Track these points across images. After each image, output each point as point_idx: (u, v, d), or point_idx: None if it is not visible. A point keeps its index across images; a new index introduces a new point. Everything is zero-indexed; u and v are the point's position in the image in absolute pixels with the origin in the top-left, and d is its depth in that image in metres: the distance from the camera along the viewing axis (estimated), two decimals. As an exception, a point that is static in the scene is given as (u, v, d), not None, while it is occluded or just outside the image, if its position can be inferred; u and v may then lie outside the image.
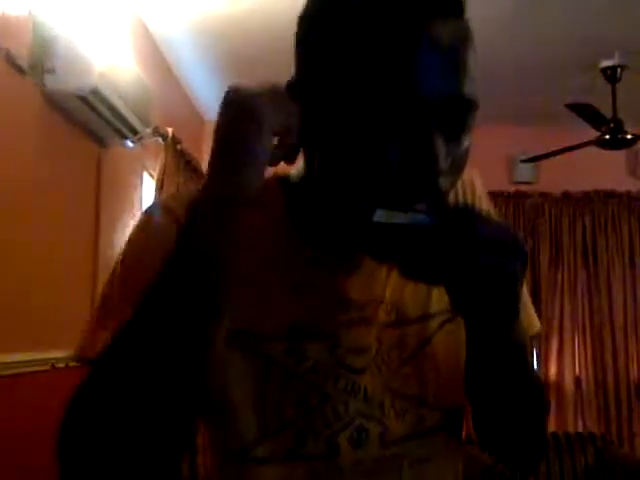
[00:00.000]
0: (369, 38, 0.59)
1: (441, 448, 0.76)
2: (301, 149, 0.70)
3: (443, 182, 0.61)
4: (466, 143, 0.64)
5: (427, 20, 0.59)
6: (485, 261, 0.56)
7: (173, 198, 0.79)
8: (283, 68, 3.33)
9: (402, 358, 0.74)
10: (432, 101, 0.58)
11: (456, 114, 0.61)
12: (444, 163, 0.60)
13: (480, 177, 0.81)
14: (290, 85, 0.66)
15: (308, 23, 0.66)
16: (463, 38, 0.64)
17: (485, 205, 0.78)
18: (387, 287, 0.74)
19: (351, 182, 0.61)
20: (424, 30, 0.59)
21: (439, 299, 0.74)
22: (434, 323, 0.75)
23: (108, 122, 2.42)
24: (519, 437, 0.77)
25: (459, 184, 0.75)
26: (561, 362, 4.55)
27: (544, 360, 4.55)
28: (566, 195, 4.70)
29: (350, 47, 0.60)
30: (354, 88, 0.59)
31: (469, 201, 0.75)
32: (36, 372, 2.14)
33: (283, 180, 0.77)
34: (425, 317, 0.75)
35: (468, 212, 0.60)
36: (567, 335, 4.57)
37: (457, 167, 0.65)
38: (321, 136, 0.64)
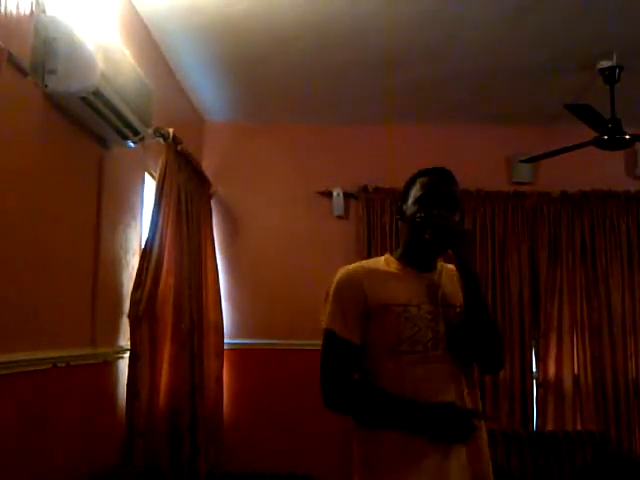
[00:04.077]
0: (426, 182, 1.92)
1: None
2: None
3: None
4: (457, 216, 1.88)
5: (444, 184, 1.90)
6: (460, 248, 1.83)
7: (354, 268, 1.92)
8: (282, 68, 3.39)
9: (447, 321, 1.84)
10: (445, 206, 1.86)
11: (453, 206, 1.88)
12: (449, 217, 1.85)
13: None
14: (399, 207, 1.97)
15: (407, 184, 1.97)
16: (456, 187, 1.90)
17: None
18: (440, 287, 1.88)
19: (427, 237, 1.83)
20: (446, 188, 1.89)
21: (460, 298, 1.85)
22: (459, 308, 1.86)
23: (109, 123, 2.43)
24: (489, 353, 1.87)
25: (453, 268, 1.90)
26: (560, 361, 4.56)
27: (543, 359, 4.57)
28: (565, 195, 4.71)
29: (415, 195, 1.91)
30: (421, 199, 1.89)
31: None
32: (37, 371, 2.15)
33: (392, 254, 1.97)
34: (456, 305, 1.86)
35: (462, 232, 1.86)
36: (566, 334, 4.58)
37: (457, 221, 1.89)
38: (412, 223, 1.88)
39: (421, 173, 1.95)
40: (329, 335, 1.85)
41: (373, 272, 1.88)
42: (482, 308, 1.82)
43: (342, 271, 1.89)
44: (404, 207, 1.93)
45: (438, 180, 1.89)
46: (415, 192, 1.89)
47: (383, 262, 1.93)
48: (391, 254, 1.96)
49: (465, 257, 1.80)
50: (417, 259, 1.89)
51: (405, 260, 1.90)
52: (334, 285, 1.87)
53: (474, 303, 1.81)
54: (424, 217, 1.81)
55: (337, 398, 1.83)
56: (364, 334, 1.82)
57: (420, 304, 1.82)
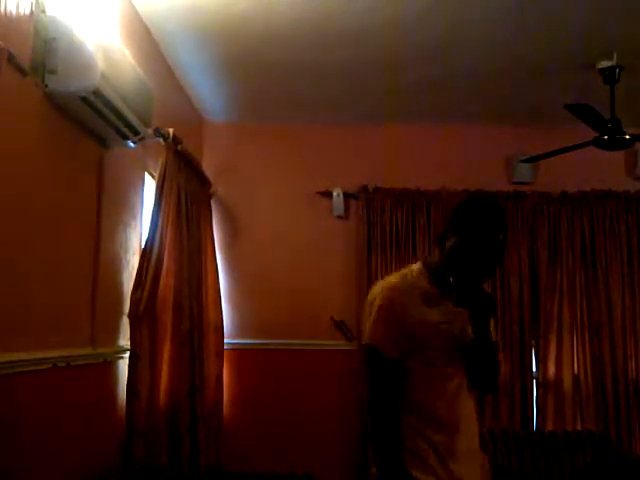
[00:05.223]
0: (478, 232, 1.98)
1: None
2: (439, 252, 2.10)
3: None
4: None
5: (499, 231, 1.99)
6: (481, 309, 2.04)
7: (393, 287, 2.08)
8: (281, 68, 3.40)
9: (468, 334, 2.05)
10: (496, 251, 2.02)
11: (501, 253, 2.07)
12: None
13: None
14: (443, 232, 2.07)
15: (457, 216, 2.04)
16: (503, 235, 2.00)
17: None
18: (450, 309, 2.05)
19: (465, 270, 2.01)
20: (498, 235, 1.99)
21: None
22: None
23: (109, 122, 2.43)
24: (486, 376, 2.09)
25: None
26: (560, 361, 4.56)
27: (543, 359, 4.57)
28: (565, 195, 4.71)
29: (470, 232, 1.99)
30: (471, 247, 1.98)
31: None
32: (37, 371, 2.15)
33: (426, 266, 2.10)
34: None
35: (486, 294, 2.07)
36: (566, 334, 4.58)
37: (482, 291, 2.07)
38: (455, 252, 2.00)
39: (477, 215, 2.00)
40: (374, 352, 2.00)
41: (413, 291, 2.02)
42: (486, 350, 2.04)
43: (385, 287, 2.05)
44: (448, 235, 2.03)
45: (487, 234, 1.97)
46: (462, 238, 1.98)
47: (418, 276, 2.06)
48: (424, 264, 2.10)
49: (480, 321, 2.01)
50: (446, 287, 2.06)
51: (436, 283, 2.05)
52: (379, 302, 2.02)
53: (480, 344, 2.02)
54: (453, 284, 2.01)
55: (378, 421, 1.99)
56: (406, 349, 1.99)
57: (454, 320, 2.02)
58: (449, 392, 2.02)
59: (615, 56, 3.54)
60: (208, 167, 4.49)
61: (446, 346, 2.01)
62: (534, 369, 4.58)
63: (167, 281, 3.21)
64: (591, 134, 3.67)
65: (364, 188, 4.73)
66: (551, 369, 4.56)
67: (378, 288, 2.06)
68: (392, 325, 1.98)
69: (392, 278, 2.11)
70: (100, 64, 2.16)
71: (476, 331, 2.00)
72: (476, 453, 2.11)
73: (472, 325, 2.00)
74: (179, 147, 3.37)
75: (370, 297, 2.07)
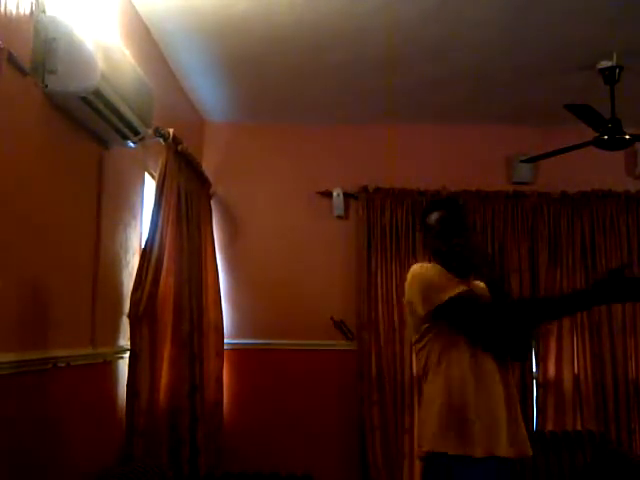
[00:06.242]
0: (438, 219, 2.43)
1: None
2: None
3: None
4: (469, 234, 2.47)
5: (453, 215, 2.44)
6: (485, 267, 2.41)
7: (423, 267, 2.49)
8: (282, 68, 3.41)
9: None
10: (456, 233, 2.41)
11: (464, 231, 2.43)
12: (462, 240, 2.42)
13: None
14: (424, 236, 2.57)
15: (422, 215, 2.52)
16: (463, 213, 2.49)
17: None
18: (471, 286, 2.39)
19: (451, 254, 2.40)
20: (455, 219, 2.43)
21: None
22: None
23: (109, 123, 2.43)
24: (517, 338, 2.38)
25: None
26: (560, 361, 4.56)
27: (543, 359, 4.57)
28: (565, 195, 4.71)
29: (433, 221, 2.45)
30: (439, 234, 2.43)
31: None
32: (37, 371, 2.16)
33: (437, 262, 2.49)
34: (485, 296, 2.35)
35: (482, 252, 2.58)
36: (566, 334, 4.58)
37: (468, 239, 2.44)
38: (436, 244, 2.44)
39: (432, 208, 2.47)
40: (453, 301, 2.28)
41: (437, 268, 2.40)
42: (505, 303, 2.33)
43: (420, 265, 2.47)
44: (428, 236, 2.46)
45: (447, 215, 2.42)
46: (433, 229, 2.42)
47: (434, 265, 2.43)
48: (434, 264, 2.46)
49: (486, 273, 2.36)
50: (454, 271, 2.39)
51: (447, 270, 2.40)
52: (416, 273, 2.40)
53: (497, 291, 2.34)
54: (447, 251, 2.37)
55: (509, 317, 2.28)
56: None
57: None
58: (464, 360, 2.27)
59: (615, 56, 3.54)
60: (208, 167, 4.49)
61: None
62: (534, 369, 4.58)
63: (167, 281, 3.21)
64: (591, 134, 3.67)
65: (364, 188, 4.73)
66: (551, 369, 4.56)
67: (416, 269, 2.42)
68: (434, 283, 2.33)
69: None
70: (100, 64, 2.16)
71: (489, 283, 2.32)
72: (492, 430, 2.22)
73: (486, 282, 2.33)
74: (179, 147, 3.36)
75: (406, 284, 2.40)
